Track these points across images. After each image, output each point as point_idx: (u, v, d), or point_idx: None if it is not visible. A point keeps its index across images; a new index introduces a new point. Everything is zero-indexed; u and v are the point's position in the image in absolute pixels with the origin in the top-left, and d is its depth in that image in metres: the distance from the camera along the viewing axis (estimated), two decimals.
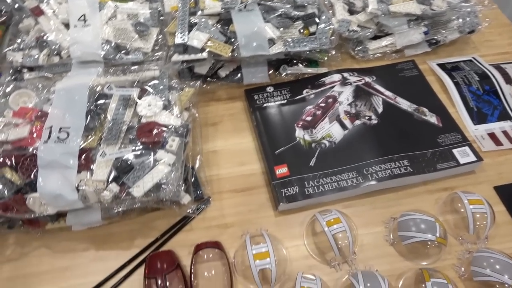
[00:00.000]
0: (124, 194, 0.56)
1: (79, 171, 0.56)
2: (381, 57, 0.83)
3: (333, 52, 0.79)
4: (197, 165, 0.68)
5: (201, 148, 0.71)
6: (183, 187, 0.61)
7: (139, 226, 0.64)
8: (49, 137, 0.57)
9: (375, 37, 0.83)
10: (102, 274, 0.59)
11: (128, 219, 0.64)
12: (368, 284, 0.53)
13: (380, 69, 0.80)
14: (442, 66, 0.82)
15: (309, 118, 0.71)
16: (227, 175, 0.69)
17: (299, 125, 0.71)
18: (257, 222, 0.63)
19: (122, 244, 0.62)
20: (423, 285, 0.53)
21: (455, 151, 0.67)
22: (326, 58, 0.79)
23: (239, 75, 0.78)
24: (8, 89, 0.65)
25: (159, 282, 0.55)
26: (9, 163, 0.57)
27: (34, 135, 0.58)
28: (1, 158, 0.57)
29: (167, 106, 0.64)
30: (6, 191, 0.56)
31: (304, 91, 0.76)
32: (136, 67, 0.70)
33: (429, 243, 0.59)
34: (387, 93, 0.75)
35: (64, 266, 0.60)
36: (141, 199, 0.56)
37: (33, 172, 0.56)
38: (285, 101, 0.74)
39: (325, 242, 0.60)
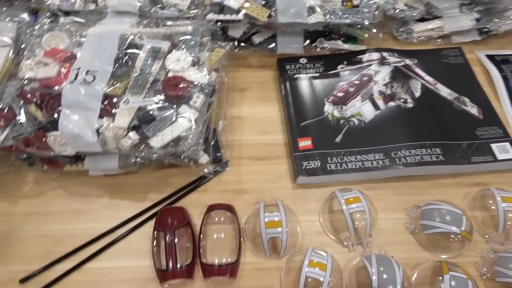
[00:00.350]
0: (143, 145, 0.55)
1: (101, 116, 0.56)
2: (425, 41, 0.78)
3: (374, 30, 0.75)
4: (220, 128, 0.66)
5: (226, 112, 0.69)
6: (202, 147, 0.59)
7: (154, 180, 0.63)
8: (75, 78, 0.57)
9: (422, 19, 0.78)
10: (113, 221, 0.59)
11: (144, 172, 0.63)
12: (381, 268, 0.51)
13: (423, 53, 0.75)
14: (491, 57, 0.76)
15: (340, 94, 0.68)
16: (248, 142, 0.67)
17: (329, 100, 0.68)
18: (273, 192, 0.62)
19: (136, 196, 0.62)
20: (440, 278, 0.50)
21: (493, 145, 0.63)
22: (366, 35, 0.75)
23: (273, 44, 0.76)
24: (42, 30, 0.65)
25: (168, 236, 0.54)
26: (35, 100, 0.57)
27: (62, 75, 0.58)
28: (29, 95, 0.58)
29: (196, 63, 0.62)
30: (29, 127, 0.56)
31: (339, 67, 0.72)
32: (170, 22, 0.69)
33: (452, 236, 0.55)
34: (428, 78, 0.71)
35: (78, 209, 0.61)
36: (159, 150, 0.55)
37: (57, 111, 0.56)
38: (317, 75, 0.71)
39: (341, 221, 0.58)
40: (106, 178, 0.63)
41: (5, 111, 0.57)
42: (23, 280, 0.55)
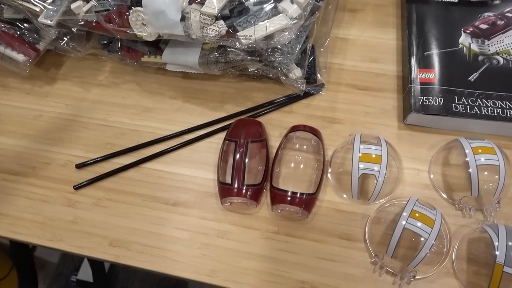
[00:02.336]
0: (230, 37, 0.47)
1: (189, 3, 0.48)
2: None
3: None
4: (321, 48, 0.55)
5: (330, 31, 0.57)
6: (298, 56, 0.49)
7: (234, 91, 0.55)
8: None
9: None
10: (182, 126, 0.52)
11: (224, 80, 0.55)
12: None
13: None
14: None
15: (484, 26, 0.53)
16: (351, 68, 0.55)
17: (468, 31, 0.52)
18: (372, 128, 0.50)
19: (210, 104, 0.54)
20: None
21: None
22: None
23: None
24: None
25: (239, 147, 0.46)
26: None
27: None
28: None
29: None
30: (113, 1, 0.50)
31: None
32: None
33: None
34: None
35: (147, 106, 0.55)
36: (248, 47, 0.46)
37: None
38: (455, 0, 0.56)
39: (458, 178, 0.44)
40: (182, 80, 0.56)
41: None
42: (80, 166, 0.50)
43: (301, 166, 0.47)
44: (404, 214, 0.39)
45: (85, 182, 0.49)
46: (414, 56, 0.51)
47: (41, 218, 0.47)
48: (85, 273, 1.14)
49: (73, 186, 0.49)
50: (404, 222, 0.39)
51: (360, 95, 0.52)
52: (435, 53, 0.51)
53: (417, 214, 0.39)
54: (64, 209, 0.48)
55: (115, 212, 0.47)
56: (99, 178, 0.49)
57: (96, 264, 1.11)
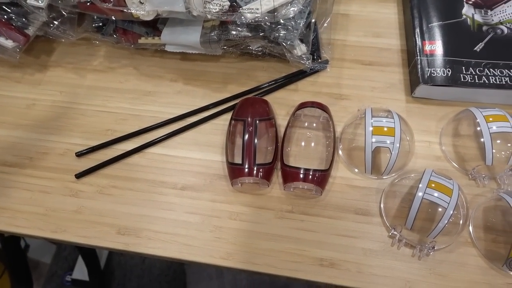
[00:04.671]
0: (233, 12, 0.45)
1: None
2: None
3: None
4: (324, 25, 0.54)
5: (331, 7, 0.56)
6: (303, 31, 0.48)
7: (236, 71, 0.53)
8: None
9: None
10: (184, 108, 0.50)
11: (225, 61, 0.54)
12: None
13: None
14: None
15: None
16: (354, 43, 0.54)
17: (470, 2, 0.52)
18: (380, 103, 0.49)
19: (213, 85, 0.52)
20: None
21: None
22: None
23: None
24: None
25: (250, 128, 0.44)
26: None
27: None
28: None
29: None
30: None
31: None
32: None
33: None
34: None
35: (147, 90, 0.53)
36: (254, 21, 0.44)
37: None
38: None
39: (469, 148, 0.44)
40: (182, 62, 0.54)
41: None
42: (80, 154, 0.48)
43: (312, 143, 0.46)
44: (421, 185, 0.39)
45: (87, 170, 0.47)
46: (418, 29, 0.51)
47: (42, 210, 0.45)
48: (80, 272, 1.12)
49: (75, 175, 0.47)
50: (421, 194, 0.38)
51: (365, 70, 0.52)
52: (439, 25, 0.50)
53: (433, 185, 0.39)
54: (66, 199, 0.46)
55: (121, 200, 0.45)
56: (102, 165, 0.47)
57: (91, 262, 1.09)
